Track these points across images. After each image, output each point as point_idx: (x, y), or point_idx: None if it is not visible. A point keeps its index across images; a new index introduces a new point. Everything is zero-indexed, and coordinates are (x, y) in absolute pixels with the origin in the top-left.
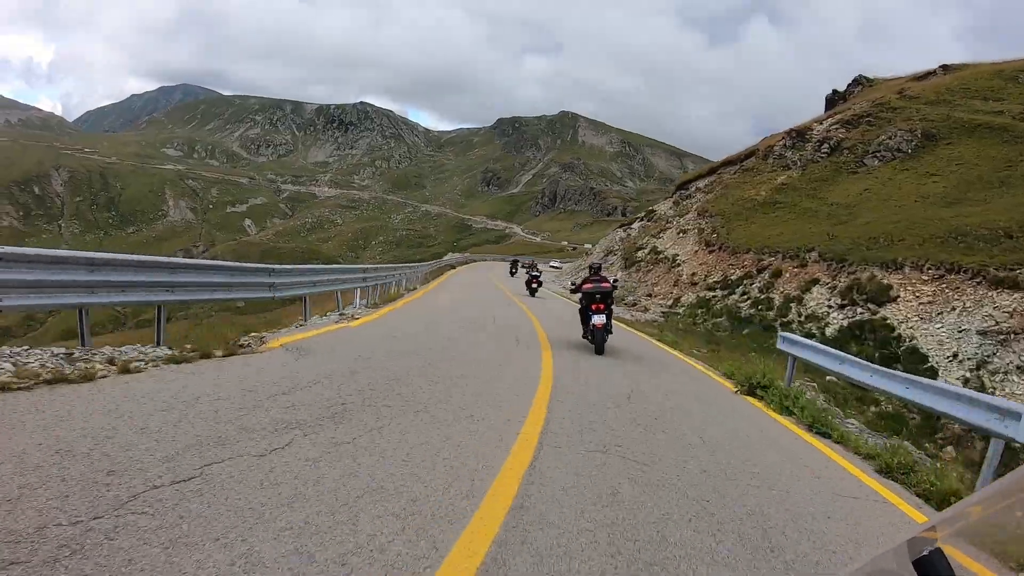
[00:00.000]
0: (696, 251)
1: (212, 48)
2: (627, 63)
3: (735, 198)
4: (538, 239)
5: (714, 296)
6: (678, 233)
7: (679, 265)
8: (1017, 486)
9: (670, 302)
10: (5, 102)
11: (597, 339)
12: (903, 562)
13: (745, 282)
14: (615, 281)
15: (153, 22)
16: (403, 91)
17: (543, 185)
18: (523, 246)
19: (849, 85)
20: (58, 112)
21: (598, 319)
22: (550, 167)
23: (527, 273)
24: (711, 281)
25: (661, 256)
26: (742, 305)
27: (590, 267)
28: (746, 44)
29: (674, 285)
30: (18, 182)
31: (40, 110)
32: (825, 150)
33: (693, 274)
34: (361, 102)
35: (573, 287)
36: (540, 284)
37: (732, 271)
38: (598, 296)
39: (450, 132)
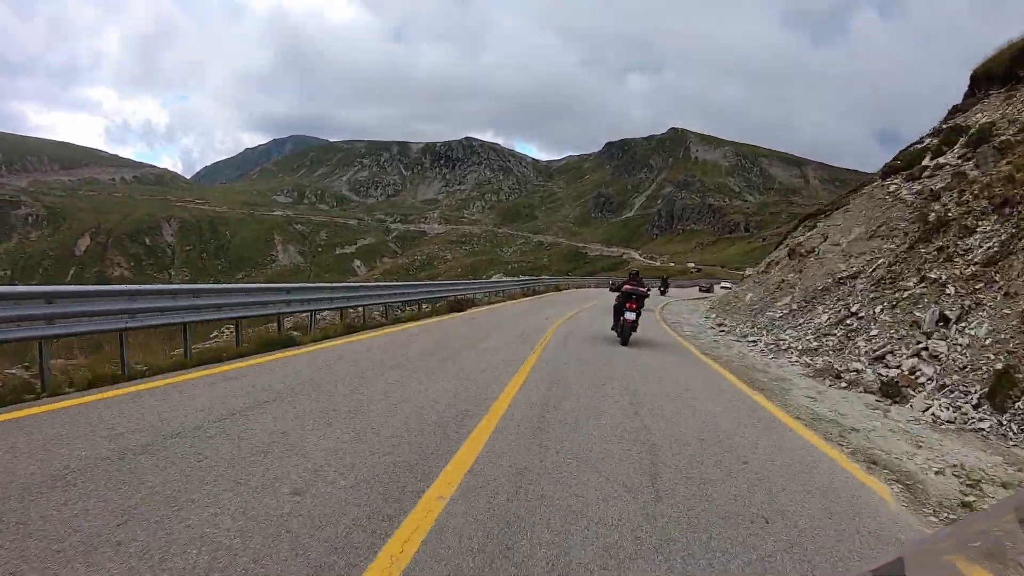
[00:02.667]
0: None
1: (315, 96)
2: (732, 72)
3: None
4: (657, 263)
5: None
6: None
7: None
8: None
9: None
10: (122, 162)
11: (625, 332)
12: (913, 572)
13: None
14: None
15: (255, 77)
16: (508, 123)
17: (658, 206)
18: (641, 270)
19: None
20: (178, 169)
21: (630, 315)
22: (664, 187)
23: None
24: None
25: None
26: None
27: (630, 273)
28: (854, 38)
29: None
30: (129, 233)
31: (155, 167)
32: None
33: None
34: (467, 137)
35: (613, 286)
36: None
37: None
38: (634, 296)
39: (559, 160)
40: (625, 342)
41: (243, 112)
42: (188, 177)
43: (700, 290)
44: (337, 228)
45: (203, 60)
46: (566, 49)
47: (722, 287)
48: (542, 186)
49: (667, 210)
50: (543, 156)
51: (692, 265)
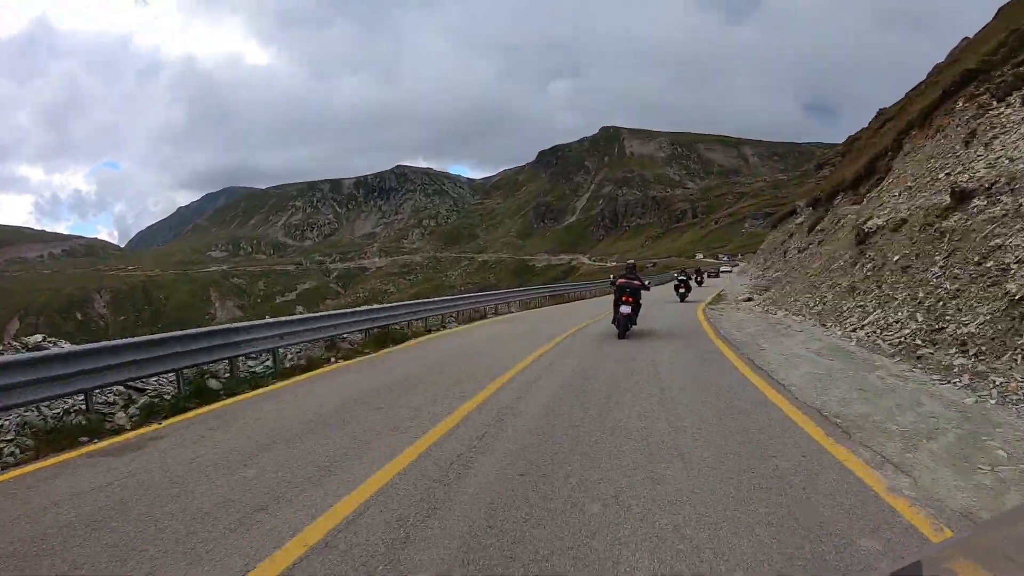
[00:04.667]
0: None
1: (241, 146)
2: (655, 63)
3: None
4: (609, 264)
5: None
6: None
7: None
8: None
9: None
10: (49, 237)
11: (621, 326)
12: None
13: None
14: (649, 283)
15: (179, 134)
16: (438, 146)
17: (600, 207)
18: (592, 276)
19: None
20: (115, 238)
21: (625, 309)
22: (603, 187)
23: (677, 279)
24: None
25: None
26: None
27: (627, 266)
28: (765, 9)
29: None
30: (59, 310)
31: (84, 238)
32: None
33: None
34: (398, 166)
35: (611, 280)
36: (689, 289)
37: None
38: (628, 290)
39: (494, 176)
40: (622, 335)
41: (172, 171)
42: (123, 244)
43: (708, 275)
44: (276, 276)
45: (124, 124)
46: (486, 64)
47: (723, 271)
48: (480, 204)
49: (610, 209)
50: (477, 174)
51: (632, 261)
